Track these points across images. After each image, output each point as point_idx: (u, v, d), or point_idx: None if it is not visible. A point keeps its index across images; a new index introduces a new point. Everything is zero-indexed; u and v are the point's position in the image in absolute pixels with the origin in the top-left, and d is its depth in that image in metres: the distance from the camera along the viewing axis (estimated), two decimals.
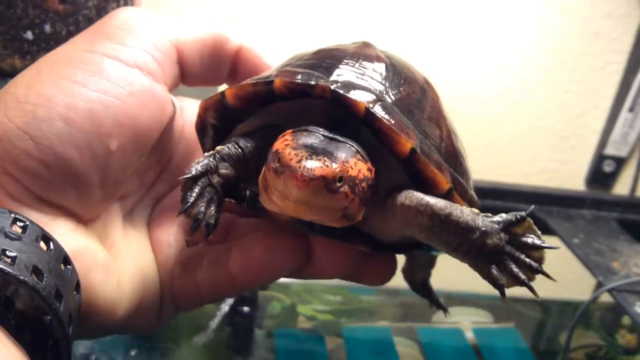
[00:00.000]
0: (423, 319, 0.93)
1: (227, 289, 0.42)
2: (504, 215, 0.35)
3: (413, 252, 0.40)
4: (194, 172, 0.36)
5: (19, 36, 0.75)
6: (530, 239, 0.35)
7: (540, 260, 0.36)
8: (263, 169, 0.34)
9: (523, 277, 0.35)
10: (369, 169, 0.33)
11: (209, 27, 0.42)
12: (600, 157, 1.17)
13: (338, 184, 0.31)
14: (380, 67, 0.39)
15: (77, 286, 0.35)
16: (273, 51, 0.44)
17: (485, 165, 1.17)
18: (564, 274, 1.21)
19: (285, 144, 0.32)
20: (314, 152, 0.31)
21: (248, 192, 0.39)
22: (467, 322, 0.93)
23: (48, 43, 0.75)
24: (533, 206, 0.36)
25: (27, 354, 0.30)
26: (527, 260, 0.35)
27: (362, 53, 0.40)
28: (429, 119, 0.40)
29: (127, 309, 0.39)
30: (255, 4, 1.03)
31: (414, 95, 0.39)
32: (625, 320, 0.96)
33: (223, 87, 0.45)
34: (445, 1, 1.05)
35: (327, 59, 0.39)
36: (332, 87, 0.36)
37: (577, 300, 1.04)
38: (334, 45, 0.42)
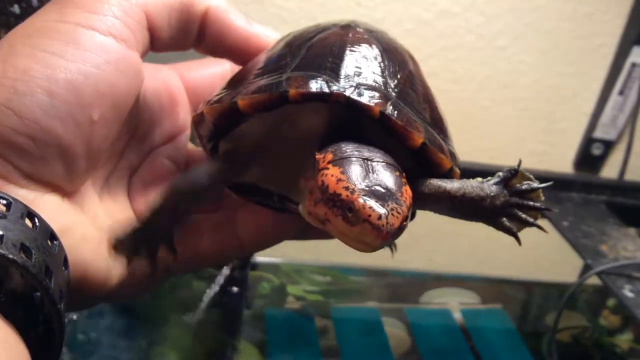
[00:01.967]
0: (411, 300, 0.94)
1: (231, 253, 0.44)
2: (500, 174, 0.40)
3: None
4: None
5: (6, 10, 0.73)
6: (526, 185, 0.40)
7: (538, 199, 0.40)
8: (313, 200, 0.35)
9: (531, 219, 0.40)
10: (409, 186, 0.35)
11: None
12: (588, 140, 1.18)
13: (404, 222, 0.33)
14: (378, 57, 0.41)
15: (65, 261, 0.35)
16: (241, 12, 0.44)
17: (474, 147, 1.17)
18: (551, 257, 1.22)
19: (345, 187, 0.33)
20: (379, 197, 0.33)
21: (276, 198, 0.41)
22: (454, 303, 0.93)
23: None
24: (520, 159, 0.41)
25: (17, 331, 0.30)
26: (530, 203, 0.40)
27: (356, 41, 0.41)
28: (423, 100, 0.42)
29: (119, 278, 0.39)
30: None
31: (408, 79, 0.41)
32: (609, 302, 0.97)
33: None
34: None
35: (328, 57, 0.40)
36: (346, 94, 0.37)
37: (563, 282, 1.05)
38: (323, 32, 0.42)
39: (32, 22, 0.37)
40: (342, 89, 0.37)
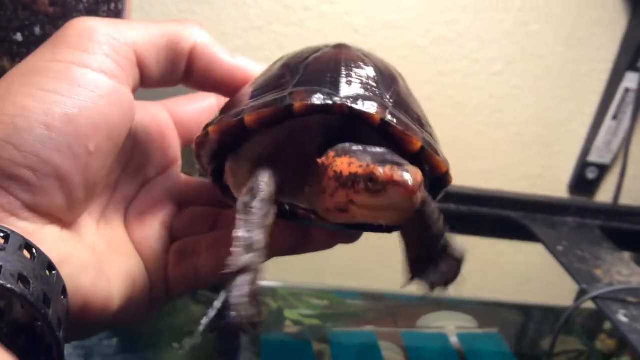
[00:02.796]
0: (408, 324, 0.94)
1: None
2: (454, 243, 0.42)
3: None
4: (239, 264, 0.36)
5: (9, 38, 0.74)
6: (455, 262, 0.43)
7: (453, 278, 0.43)
8: (329, 194, 0.37)
9: (431, 281, 0.42)
10: None
11: (162, 28, 0.43)
12: (583, 164, 1.19)
13: (422, 187, 0.35)
14: (371, 72, 0.43)
15: (64, 291, 0.35)
16: (225, 47, 0.45)
17: (469, 170, 1.18)
18: (547, 280, 1.22)
19: (359, 165, 0.35)
20: (392, 163, 0.35)
21: (288, 207, 0.42)
22: (451, 327, 0.93)
23: (38, 45, 0.74)
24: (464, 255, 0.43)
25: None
26: (444, 274, 0.42)
27: (350, 59, 0.43)
28: (414, 107, 0.44)
29: (119, 305, 0.40)
30: (242, 10, 1.03)
31: (400, 91, 0.44)
32: (606, 325, 0.97)
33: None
34: (431, 6, 1.06)
35: (326, 72, 0.42)
36: (349, 104, 0.39)
37: (559, 306, 1.05)
38: (317, 52, 0.45)
39: (26, 63, 0.38)
40: (343, 100, 0.39)
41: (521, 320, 1.02)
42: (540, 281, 1.22)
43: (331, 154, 0.38)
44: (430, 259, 0.42)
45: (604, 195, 1.22)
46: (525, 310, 1.03)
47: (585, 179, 1.19)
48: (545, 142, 1.19)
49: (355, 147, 0.38)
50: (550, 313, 1.05)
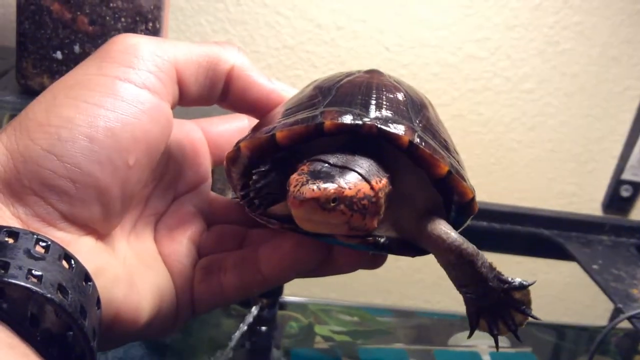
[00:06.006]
0: (440, 342, 0.93)
1: (254, 287, 0.45)
2: (514, 280, 0.41)
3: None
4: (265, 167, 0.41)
5: (49, 56, 0.77)
6: (522, 307, 0.41)
7: (520, 324, 0.42)
8: None
9: (495, 331, 0.42)
10: (371, 188, 0.38)
11: (203, 48, 0.44)
12: (617, 182, 1.17)
13: (332, 204, 0.36)
14: (402, 96, 0.44)
15: (98, 302, 0.36)
16: (262, 69, 0.47)
17: (502, 188, 1.17)
18: (581, 300, 1.20)
19: (298, 172, 0.37)
20: (314, 177, 0.36)
21: None
22: (484, 345, 0.92)
23: (77, 63, 0.76)
24: (535, 281, 0.41)
25: None
26: (509, 321, 0.42)
27: (382, 84, 0.44)
28: (442, 133, 0.45)
29: (147, 318, 0.41)
30: (275, 29, 1.05)
31: (429, 117, 0.44)
32: None
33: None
34: (462, 24, 1.07)
35: (357, 95, 0.43)
36: (378, 125, 0.40)
37: (593, 326, 1.03)
38: (350, 76, 0.46)
39: (73, 75, 0.40)
40: (373, 121, 0.40)
41: (555, 340, 1.01)
42: (574, 300, 1.20)
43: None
44: (491, 307, 0.41)
45: (638, 213, 1.20)
46: (559, 330, 1.02)
47: (619, 197, 1.18)
48: (579, 160, 1.18)
49: (330, 161, 0.38)
50: (584, 333, 1.03)
